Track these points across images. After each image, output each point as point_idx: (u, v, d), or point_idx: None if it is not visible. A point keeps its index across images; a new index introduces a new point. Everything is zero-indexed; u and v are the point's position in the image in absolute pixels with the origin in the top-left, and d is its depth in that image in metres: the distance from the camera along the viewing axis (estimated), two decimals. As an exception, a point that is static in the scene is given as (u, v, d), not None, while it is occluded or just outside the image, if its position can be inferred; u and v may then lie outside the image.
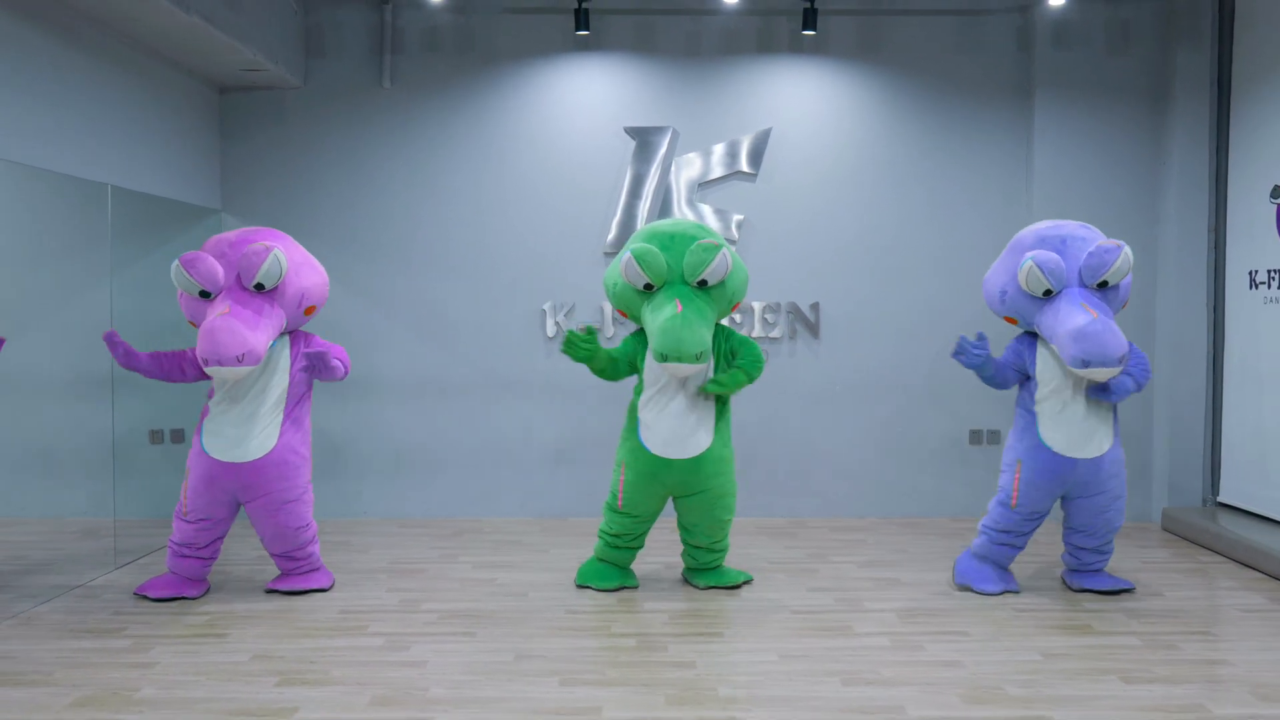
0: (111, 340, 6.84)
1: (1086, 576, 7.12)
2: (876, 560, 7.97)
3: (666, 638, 6.17)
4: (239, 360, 6.39)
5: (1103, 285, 6.72)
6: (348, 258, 9.27)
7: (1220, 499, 8.96)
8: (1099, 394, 6.80)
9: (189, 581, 6.98)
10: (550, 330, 9.33)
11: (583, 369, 9.07)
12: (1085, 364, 6.45)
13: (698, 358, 6.53)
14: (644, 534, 7.22)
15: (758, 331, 9.32)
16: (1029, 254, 6.81)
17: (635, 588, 7.22)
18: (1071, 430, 6.84)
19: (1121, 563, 7.79)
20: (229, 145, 9.34)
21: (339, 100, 9.34)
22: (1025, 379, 7.04)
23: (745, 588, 7.21)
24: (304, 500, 7.00)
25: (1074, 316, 6.56)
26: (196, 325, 6.80)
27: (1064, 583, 7.26)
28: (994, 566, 7.15)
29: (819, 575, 7.55)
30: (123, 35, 7.65)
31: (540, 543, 8.50)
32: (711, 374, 6.92)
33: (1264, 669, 5.66)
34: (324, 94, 9.33)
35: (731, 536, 7.91)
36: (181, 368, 6.94)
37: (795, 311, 9.37)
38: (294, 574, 7.13)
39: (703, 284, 6.78)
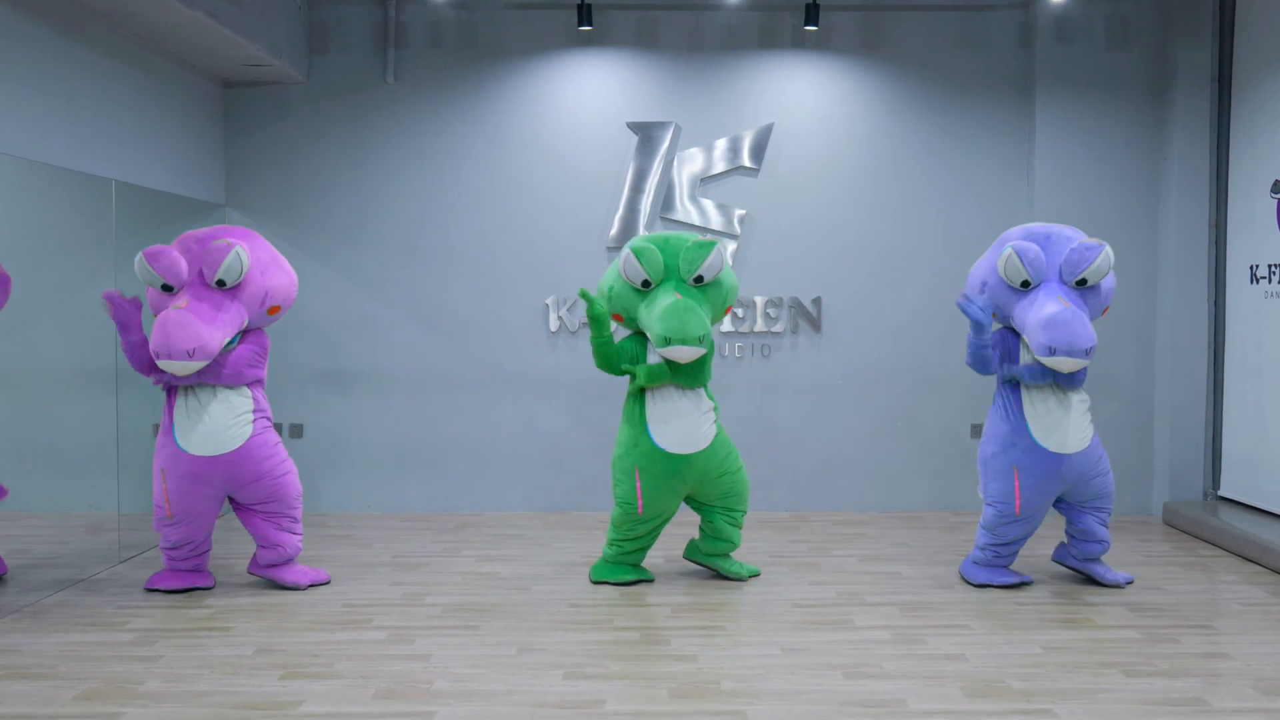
0: (112, 300, 6.65)
1: (1092, 559, 7.15)
2: (878, 554, 7.99)
3: (669, 631, 6.20)
4: (189, 355, 6.36)
5: (1082, 283, 6.76)
6: (351, 252, 9.30)
7: (1221, 493, 8.98)
8: (1065, 382, 6.85)
9: (197, 574, 7.03)
10: (553, 325, 9.34)
11: (586, 362, 9.09)
12: (1051, 351, 6.48)
13: (700, 340, 6.61)
14: (659, 532, 7.25)
15: (760, 326, 9.34)
16: (1009, 242, 6.87)
17: (651, 581, 7.26)
18: (1061, 427, 6.86)
19: (1122, 556, 7.81)
20: (233, 140, 9.36)
21: (343, 95, 9.35)
22: (1009, 380, 7.04)
23: (749, 581, 7.24)
24: (292, 470, 7.05)
25: (1047, 305, 6.60)
26: None
27: (1065, 564, 7.30)
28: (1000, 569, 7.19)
29: (821, 569, 7.57)
30: (127, 31, 7.67)
31: (543, 537, 8.53)
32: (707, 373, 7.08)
33: (1264, 663, 5.68)
34: (328, 89, 9.35)
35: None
36: (150, 360, 6.75)
37: (797, 306, 9.38)
38: (279, 563, 7.09)
39: (698, 281, 6.88)
